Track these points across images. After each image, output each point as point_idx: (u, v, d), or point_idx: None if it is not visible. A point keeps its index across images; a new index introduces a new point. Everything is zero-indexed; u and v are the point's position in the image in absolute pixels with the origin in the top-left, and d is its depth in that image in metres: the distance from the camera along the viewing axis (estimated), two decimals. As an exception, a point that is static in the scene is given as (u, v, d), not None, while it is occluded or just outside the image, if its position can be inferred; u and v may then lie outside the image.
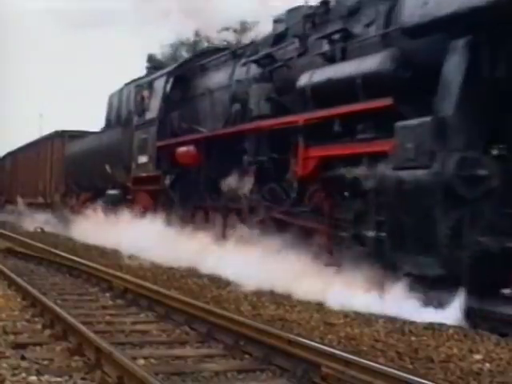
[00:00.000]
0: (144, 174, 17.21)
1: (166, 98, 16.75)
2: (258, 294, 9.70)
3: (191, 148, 14.77)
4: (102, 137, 22.49)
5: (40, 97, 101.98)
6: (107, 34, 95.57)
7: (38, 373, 5.47)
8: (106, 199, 20.21)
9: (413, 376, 4.98)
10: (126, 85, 21.05)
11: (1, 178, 41.48)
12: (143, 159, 17.23)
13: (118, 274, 11.09)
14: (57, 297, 9.45)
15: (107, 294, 9.90)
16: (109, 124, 22.45)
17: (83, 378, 5.40)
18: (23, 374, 5.40)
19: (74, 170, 25.11)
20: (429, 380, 4.96)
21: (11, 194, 36.48)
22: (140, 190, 17.92)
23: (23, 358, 5.92)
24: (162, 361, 6.06)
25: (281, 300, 9.24)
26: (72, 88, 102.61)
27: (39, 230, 25.06)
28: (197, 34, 38.58)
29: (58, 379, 5.33)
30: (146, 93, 17.53)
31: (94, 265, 12.30)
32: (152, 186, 16.90)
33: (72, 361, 5.90)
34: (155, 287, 9.48)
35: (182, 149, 15.04)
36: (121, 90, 21.48)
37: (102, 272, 11.34)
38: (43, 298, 8.46)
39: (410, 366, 5.94)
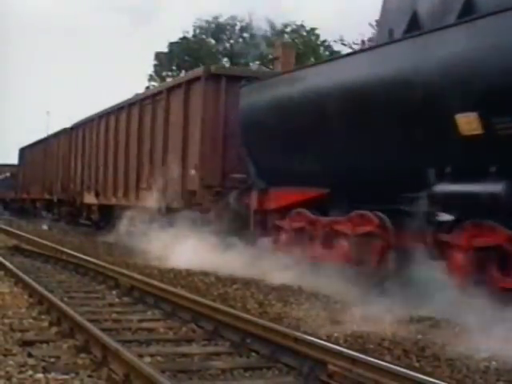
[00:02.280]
0: None
1: None
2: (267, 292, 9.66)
3: None
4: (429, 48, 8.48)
5: (47, 94, 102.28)
6: (117, 32, 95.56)
7: (45, 370, 5.47)
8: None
9: (419, 374, 4.97)
10: None
11: (44, 168, 28.21)
12: None
13: (125, 271, 11.10)
14: (63, 294, 9.47)
15: (114, 292, 9.91)
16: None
17: (90, 376, 5.40)
18: (30, 372, 5.40)
19: (271, 142, 11.90)
20: (435, 378, 4.96)
21: (67, 189, 24.40)
22: None
23: (30, 355, 5.93)
24: (169, 358, 6.07)
25: (287, 298, 9.23)
26: (79, 85, 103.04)
27: (46, 228, 25.14)
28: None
29: (65, 377, 5.33)
30: None
31: (101, 262, 12.33)
32: None
33: (79, 358, 5.91)
34: (162, 285, 9.49)
35: None
36: None
37: (108, 270, 11.36)
38: (50, 296, 8.46)
39: (417, 364, 5.94)
